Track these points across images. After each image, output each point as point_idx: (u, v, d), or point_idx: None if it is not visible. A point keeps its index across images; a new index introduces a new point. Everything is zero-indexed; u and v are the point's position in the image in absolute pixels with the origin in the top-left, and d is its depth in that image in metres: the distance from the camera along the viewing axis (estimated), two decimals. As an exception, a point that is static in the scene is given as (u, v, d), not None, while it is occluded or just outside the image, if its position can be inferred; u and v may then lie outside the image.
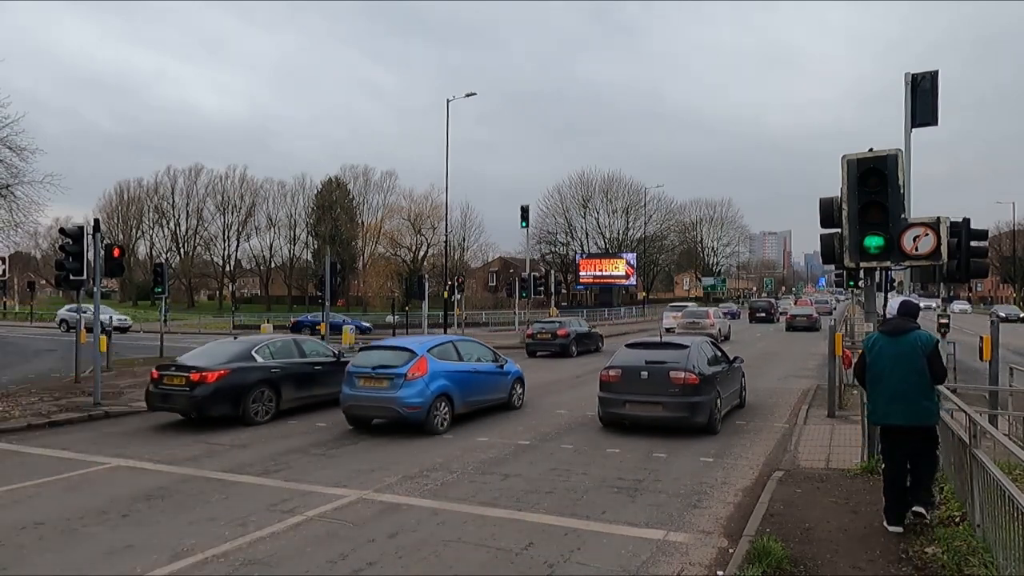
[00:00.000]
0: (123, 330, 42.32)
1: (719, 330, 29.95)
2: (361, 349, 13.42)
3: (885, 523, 6.12)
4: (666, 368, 10.61)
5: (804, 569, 5.24)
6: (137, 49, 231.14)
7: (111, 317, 41.80)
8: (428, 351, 11.49)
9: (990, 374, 11.20)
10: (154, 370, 12.24)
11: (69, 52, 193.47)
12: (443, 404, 11.15)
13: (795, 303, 60.38)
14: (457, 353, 12.29)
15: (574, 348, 25.66)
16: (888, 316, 7.56)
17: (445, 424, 11.14)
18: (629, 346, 11.97)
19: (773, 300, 67.17)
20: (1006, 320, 43.74)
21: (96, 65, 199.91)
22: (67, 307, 46.27)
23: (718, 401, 11.01)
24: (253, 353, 12.39)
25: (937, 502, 6.31)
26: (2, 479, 8.20)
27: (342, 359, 13.69)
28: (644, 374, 10.72)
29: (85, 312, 42.16)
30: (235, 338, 14.85)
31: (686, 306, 42.43)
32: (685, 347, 11.19)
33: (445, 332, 38.30)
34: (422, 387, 10.83)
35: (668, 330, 29.63)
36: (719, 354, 12.32)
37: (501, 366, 13.27)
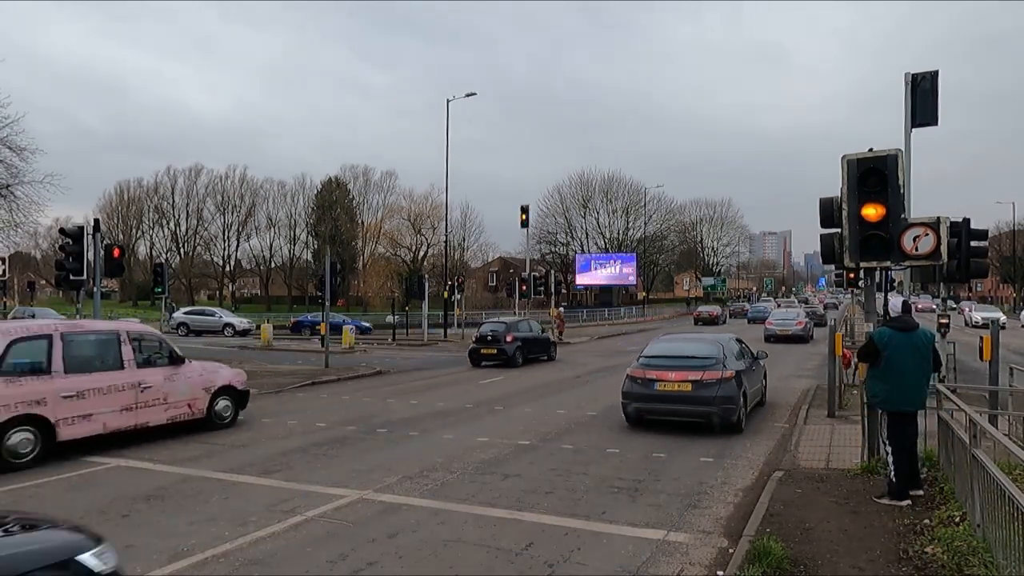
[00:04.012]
0: (245, 333, 40.90)
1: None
2: None
3: (895, 501, 6.73)
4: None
5: (804, 569, 5.24)
6: (131, 49, 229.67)
7: (239, 321, 42.23)
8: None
9: (990, 374, 11.19)
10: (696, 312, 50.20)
11: (63, 52, 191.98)
12: None
13: (816, 298, 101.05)
14: None
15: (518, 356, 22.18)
16: (893, 314, 7.84)
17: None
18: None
19: (808, 297, 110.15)
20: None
21: (90, 65, 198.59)
22: (183, 310, 44.04)
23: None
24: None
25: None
26: (2, 479, 8.20)
27: None
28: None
29: (214, 315, 42.89)
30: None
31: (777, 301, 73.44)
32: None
33: (445, 333, 38.20)
34: None
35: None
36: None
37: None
